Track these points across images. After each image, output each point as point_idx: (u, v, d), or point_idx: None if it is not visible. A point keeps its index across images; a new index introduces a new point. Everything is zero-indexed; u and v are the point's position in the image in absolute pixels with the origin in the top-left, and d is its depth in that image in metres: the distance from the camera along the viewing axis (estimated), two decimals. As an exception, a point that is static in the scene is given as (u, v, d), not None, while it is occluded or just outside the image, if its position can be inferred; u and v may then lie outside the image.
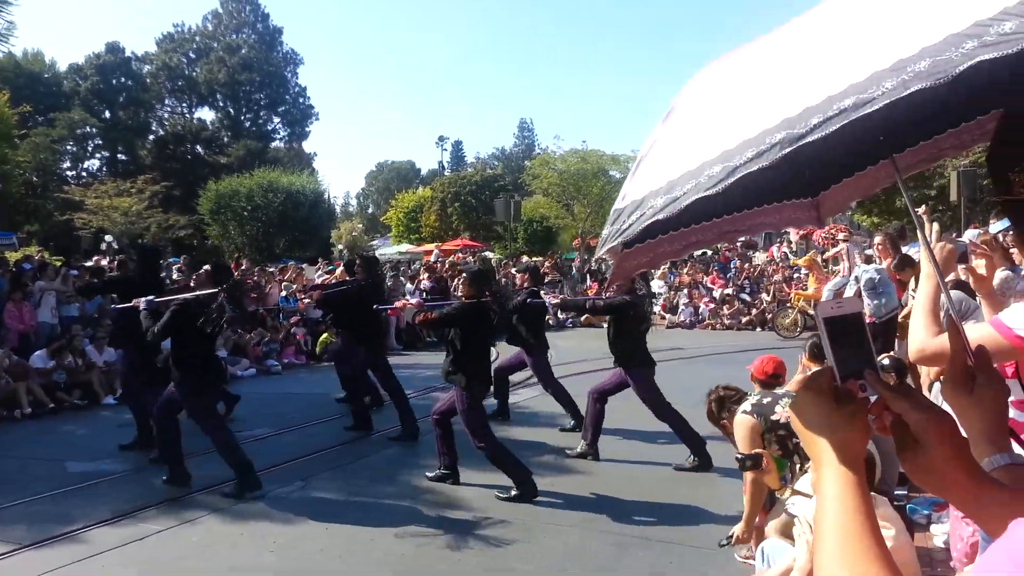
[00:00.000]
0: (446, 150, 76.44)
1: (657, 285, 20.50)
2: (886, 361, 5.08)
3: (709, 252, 23.27)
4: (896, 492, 4.58)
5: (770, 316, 18.91)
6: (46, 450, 6.84)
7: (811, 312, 17.29)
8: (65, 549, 4.73)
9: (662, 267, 21.94)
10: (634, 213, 1.44)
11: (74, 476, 6.38)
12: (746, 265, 27.74)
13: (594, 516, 5.25)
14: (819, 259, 19.10)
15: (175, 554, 4.64)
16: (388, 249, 37.87)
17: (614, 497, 5.69)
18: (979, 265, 2.55)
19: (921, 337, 2.09)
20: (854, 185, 1.91)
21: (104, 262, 18.92)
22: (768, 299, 20.17)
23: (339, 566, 4.46)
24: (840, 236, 19.48)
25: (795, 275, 23.70)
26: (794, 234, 43.73)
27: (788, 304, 19.15)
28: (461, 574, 4.35)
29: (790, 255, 33.54)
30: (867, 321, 4.96)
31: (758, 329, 17.79)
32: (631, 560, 4.53)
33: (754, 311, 18.66)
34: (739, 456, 3.93)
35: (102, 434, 8.08)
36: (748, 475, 3.86)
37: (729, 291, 19.92)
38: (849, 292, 11.99)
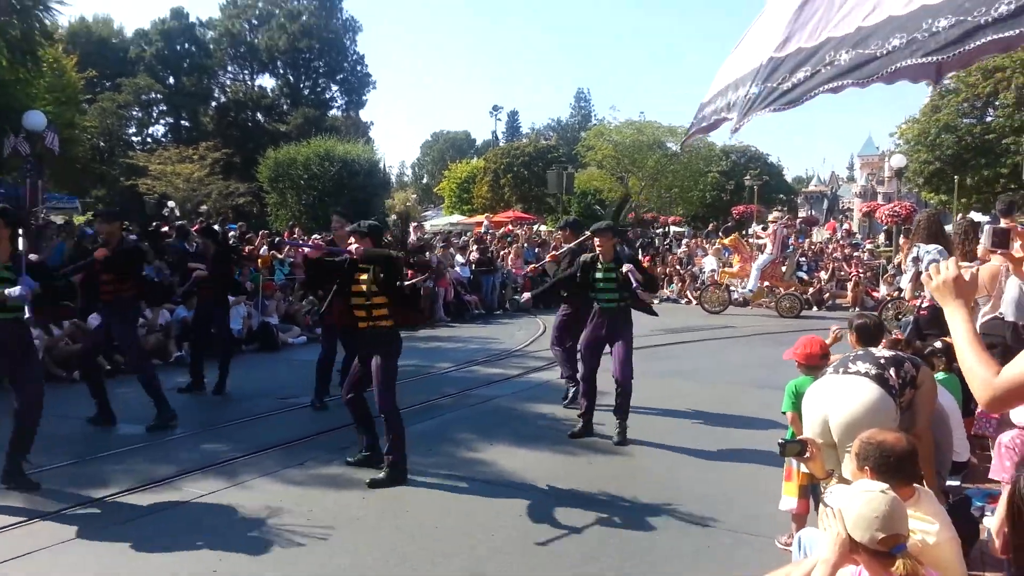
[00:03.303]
0: (500, 120, 76.14)
1: (710, 262, 20.09)
2: (938, 345, 4.84)
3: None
4: (949, 483, 4.38)
5: (827, 296, 18.40)
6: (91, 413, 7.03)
7: (736, 290, 16.91)
8: (105, 512, 4.86)
9: (715, 244, 21.47)
10: (802, 69, 1.26)
11: (123, 439, 6.56)
12: (804, 242, 27.00)
13: (629, 500, 5.17)
14: (747, 239, 18.83)
15: (208, 521, 4.73)
16: (440, 220, 37.99)
17: (651, 481, 5.59)
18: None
19: (983, 378, 1.89)
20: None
21: (164, 229, 19.43)
22: (826, 277, 19.61)
23: (371, 538, 4.49)
24: (770, 216, 19.04)
25: (856, 253, 22.99)
26: (857, 212, 42.38)
27: (848, 281, 18.62)
28: (494, 551, 4.33)
29: (857, 234, 32.58)
30: (926, 305, 4.69)
31: (815, 308, 17.31)
32: (666, 544, 4.45)
33: (811, 290, 18.14)
34: (781, 441, 3.79)
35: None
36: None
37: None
38: (905, 281, 11.53)
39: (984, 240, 7.23)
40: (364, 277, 5.40)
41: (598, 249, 6.59)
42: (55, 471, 5.53)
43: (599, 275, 6.55)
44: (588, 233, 7.05)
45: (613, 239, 6.71)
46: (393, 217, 38.41)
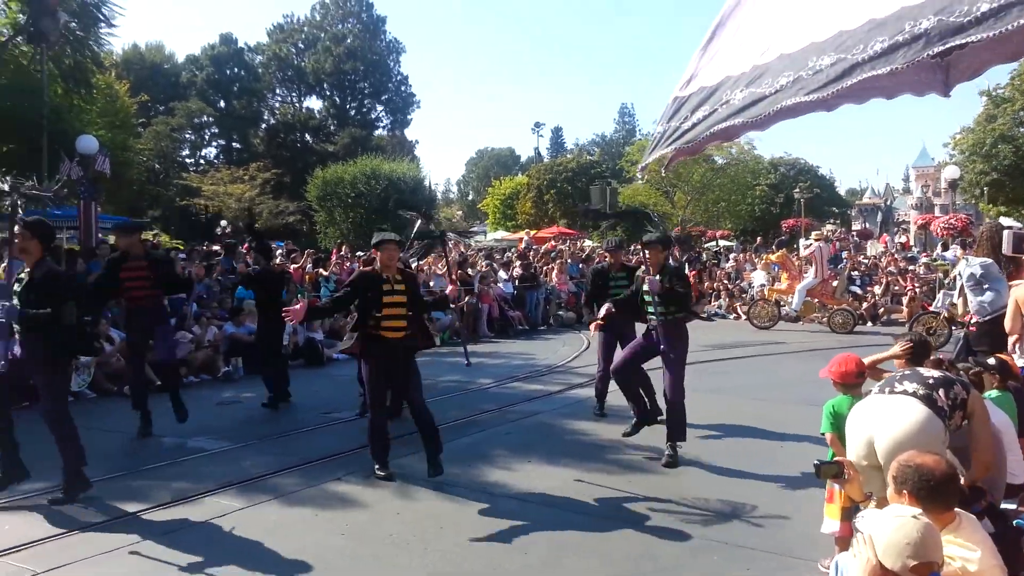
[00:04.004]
0: (542, 136, 76.41)
1: (759, 276, 19.71)
2: (991, 361, 4.62)
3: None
4: (1004, 505, 4.14)
5: (882, 311, 17.85)
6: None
7: (784, 306, 16.34)
8: (144, 525, 4.91)
9: (764, 258, 21.08)
10: (702, 108, 1.23)
11: (169, 452, 6.66)
12: (858, 256, 26.32)
13: (666, 516, 5.03)
14: (794, 255, 18.24)
15: (245, 534, 4.74)
16: (484, 236, 38.13)
17: (690, 498, 5.44)
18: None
19: None
20: (995, 48, 1.56)
21: (215, 247, 19.90)
22: (880, 292, 19.04)
23: (404, 555, 4.43)
24: (813, 235, 18.37)
25: (911, 267, 22.32)
26: (913, 224, 41.27)
27: (904, 296, 18.01)
28: (525, 568, 4.24)
29: (914, 247, 31.68)
30: (975, 321, 4.48)
31: (869, 324, 16.80)
32: (704, 563, 4.30)
33: (865, 305, 17.62)
34: (817, 462, 3.65)
35: (201, 412, 8.42)
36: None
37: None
38: (956, 296, 11.17)
39: (1005, 246, 6.91)
40: (401, 288, 5.63)
41: (646, 261, 6.36)
42: (99, 483, 5.60)
43: (646, 287, 6.33)
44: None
45: (663, 251, 6.50)
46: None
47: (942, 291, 14.54)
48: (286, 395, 8.65)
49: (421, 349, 5.99)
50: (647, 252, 6.36)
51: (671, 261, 6.64)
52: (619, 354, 6.95)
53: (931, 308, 14.98)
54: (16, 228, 5.17)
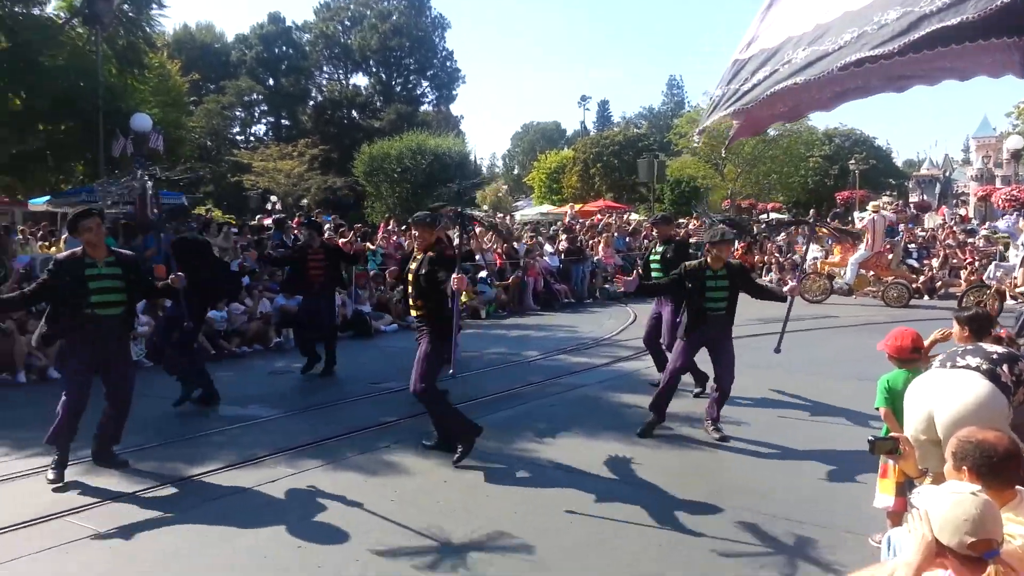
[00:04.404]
0: (588, 110, 75.61)
1: (812, 250, 19.26)
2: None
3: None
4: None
5: (939, 284, 17.32)
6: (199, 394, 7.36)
7: (837, 279, 15.79)
8: (192, 491, 5.05)
9: (815, 231, 20.58)
10: (763, 69, 1.20)
11: (217, 419, 6.85)
12: (915, 229, 25.54)
13: (712, 489, 5.00)
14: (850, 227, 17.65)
15: (295, 500, 4.85)
16: (530, 210, 38.04)
17: (736, 471, 5.39)
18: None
19: None
20: None
21: (267, 221, 20.25)
22: (938, 265, 18.46)
23: (451, 521, 4.49)
24: (870, 206, 17.67)
25: (969, 240, 21.59)
26: (973, 196, 39.87)
27: (962, 269, 17.42)
28: (571, 537, 4.26)
29: (974, 220, 30.60)
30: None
31: (926, 297, 16.32)
32: (755, 538, 4.26)
33: (922, 278, 17.12)
34: (871, 438, 3.57)
35: (253, 381, 8.66)
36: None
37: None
38: (1015, 259, 10.77)
39: None
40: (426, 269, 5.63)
41: (714, 259, 6.16)
42: (147, 451, 5.80)
43: (710, 283, 6.15)
44: (707, 242, 6.48)
45: (731, 248, 6.45)
46: (485, 208, 38.74)
47: (993, 263, 14.07)
48: (330, 366, 8.75)
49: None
50: (716, 251, 6.18)
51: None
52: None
53: (983, 280, 14.50)
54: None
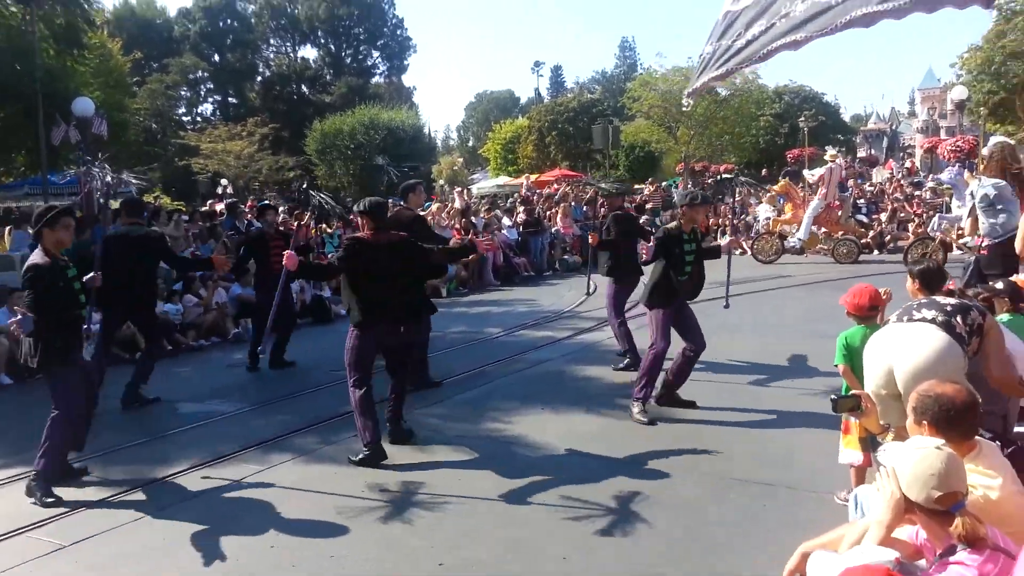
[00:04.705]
0: (543, 76, 74.95)
1: (764, 210, 19.55)
2: (1000, 285, 4.62)
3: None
4: (1017, 428, 4.18)
5: (888, 238, 17.75)
6: (158, 391, 7.25)
7: (789, 238, 16.22)
8: (166, 491, 5.01)
9: (770, 191, 20.89)
10: (758, 22, 1.13)
11: (183, 417, 6.74)
12: (864, 184, 26.06)
13: (678, 457, 5.12)
14: (800, 183, 18.15)
15: (266, 496, 4.84)
16: (487, 182, 37.84)
17: (705, 441, 5.51)
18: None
19: None
20: None
21: (219, 206, 19.79)
22: (886, 219, 18.90)
23: (425, 509, 4.53)
24: (828, 153, 18.14)
25: (916, 193, 22.09)
26: (919, 148, 40.69)
27: (910, 222, 17.84)
28: (547, 518, 4.33)
29: (921, 171, 31.25)
30: (986, 244, 4.48)
31: (876, 252, 16.73)
32: (724, 502, 4.39)
33: (871, 233, 17.52)
34: (834, 397, 3.69)
35: (212, 375, 8.54)
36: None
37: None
38: (958, 211, 11.07)
39: None
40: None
41: (687, 221, 6.10)
42: (109, 455, 5.68)
43: (686, 247, 6.07)
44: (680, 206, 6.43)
45: (707, 210, 6.43)
46: (441, 182, 38.43)
47: (937, 215, 14.45)
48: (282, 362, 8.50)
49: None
50: (692, 212, 6.15)
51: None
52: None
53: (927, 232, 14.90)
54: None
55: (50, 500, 4.77)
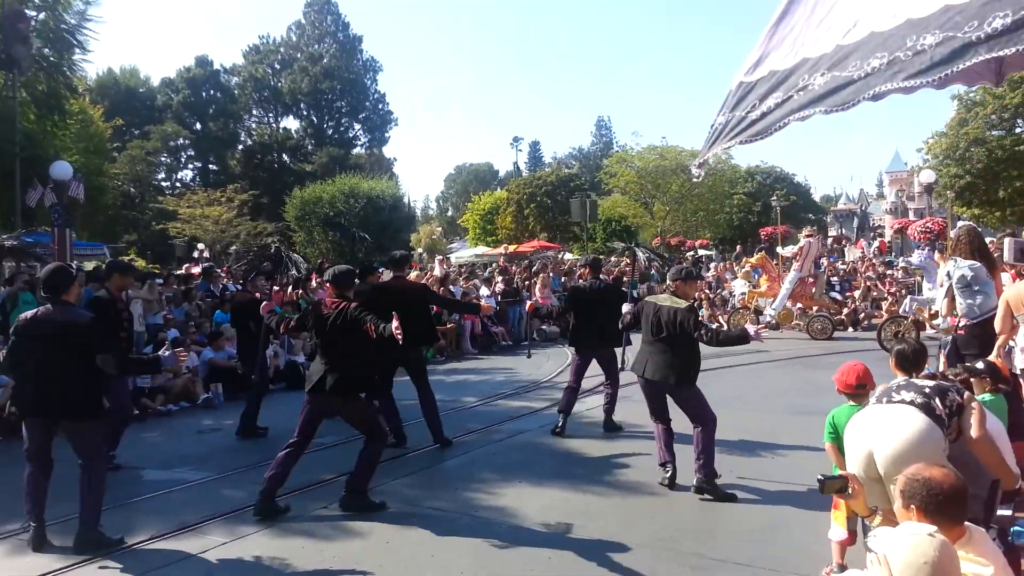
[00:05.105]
0: (521, 151, 76.61)
1: (740, 285, 19.78)
2: (980, 365, 4.62)
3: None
4: (1000, 512, 4.12)
5: (862, 316, 17.97)
6: (125, 457, 6.99)
7: (764, 311, 16.45)
8: (134, 559, 4.78)
9: (745, 267, 21.21)
10: (774, 94, 1.06)
11: (150, 484, 6.49)
12: (835, 262, 26.54)
13: (660, 536, 4.98)
14: (773, 259, 18.65)
15: (235, 567, 4.62)
16: (465, 252, 38.07)
17: (682, 515, 5.39)
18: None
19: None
20: None
21: (195, 270, 19.63)
22: (859, 297, 19.18)
23: (396, 584, 4.34)
24: (804, 231, 18.70)
25: (888, 272, 22.52)
26: (888, 229, 41.77)
27: (883, 300, 18.11)
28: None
29: (892, 251, 31.96)
30: (963, 324, 4.49)
31: (850, 329, 16.89)
32: (703, 585, 4.25)
33: (845, 310, 17.74)
34: (821, 477, 3.61)
35: (181, 442, 8.27)
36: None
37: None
38: (929, 292, 11.28)
39: (1007, 254, 6.96)
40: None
41: (681, 296, 6.02)
42: (71, 522, 5.39)
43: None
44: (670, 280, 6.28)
45: (696, 284, 6.58)
46: (420, 251, 38.60)
47: (908, 297, 14.67)
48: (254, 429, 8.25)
49: None
50: (686, 286, 6.12)
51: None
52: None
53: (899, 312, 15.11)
54: None
55: (116, 538, 4.95)
